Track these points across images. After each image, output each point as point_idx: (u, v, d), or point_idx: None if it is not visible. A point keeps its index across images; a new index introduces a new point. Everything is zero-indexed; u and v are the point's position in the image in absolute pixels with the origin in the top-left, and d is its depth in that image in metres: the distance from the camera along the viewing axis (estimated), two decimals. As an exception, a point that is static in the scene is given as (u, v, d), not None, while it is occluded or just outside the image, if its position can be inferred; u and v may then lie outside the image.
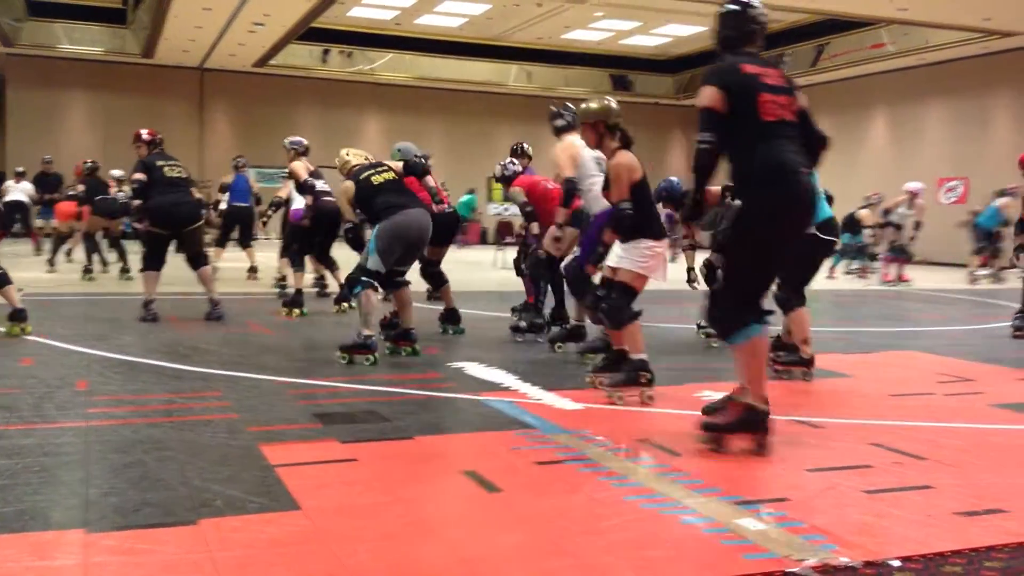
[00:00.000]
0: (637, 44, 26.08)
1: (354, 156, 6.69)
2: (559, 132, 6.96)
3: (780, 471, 3.62)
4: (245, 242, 12.33)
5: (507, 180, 7.81)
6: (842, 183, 23.91)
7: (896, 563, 2.64)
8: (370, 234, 6.06)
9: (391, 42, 25.62)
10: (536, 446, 3.90)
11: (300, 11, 18.77)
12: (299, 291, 8.68)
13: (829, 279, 15.10)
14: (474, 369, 5.76)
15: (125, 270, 11.80)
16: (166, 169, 7.89)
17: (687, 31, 24.16)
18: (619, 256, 5.13)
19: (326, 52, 25.47)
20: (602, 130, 5.28)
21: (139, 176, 7.80)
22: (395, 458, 3.73)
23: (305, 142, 9.62)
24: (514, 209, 20.47)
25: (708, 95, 3.87)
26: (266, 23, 19.76)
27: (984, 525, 3.00)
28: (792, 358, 5.71)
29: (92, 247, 12.23)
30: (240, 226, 12.34)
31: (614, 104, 5.38)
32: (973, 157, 20.31)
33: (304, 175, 9.05)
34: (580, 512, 3.08)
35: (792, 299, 5.66)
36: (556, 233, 6.59)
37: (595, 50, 26.66)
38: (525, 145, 8.67)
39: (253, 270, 12.16)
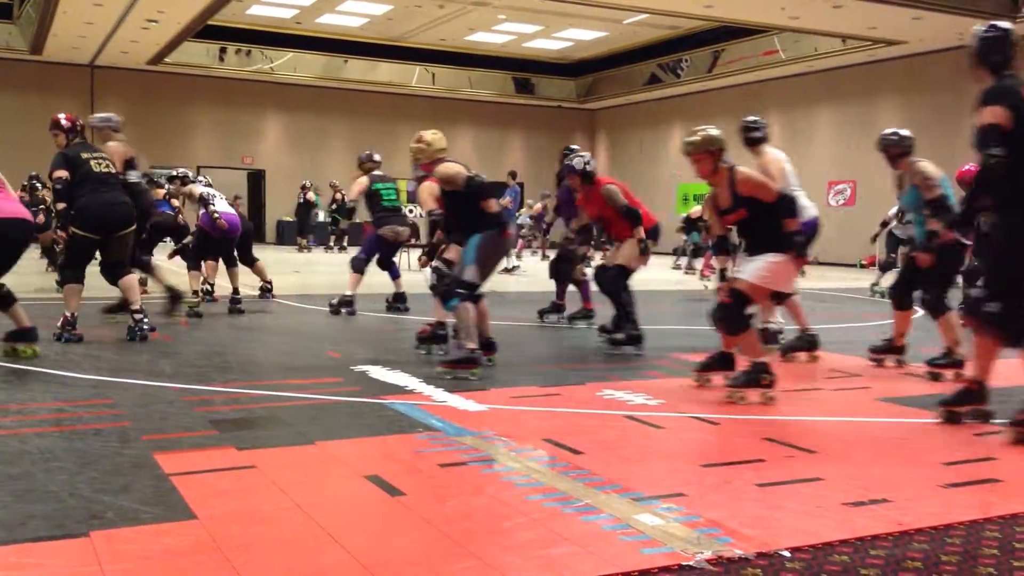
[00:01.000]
0: (539, 47, 26.32)
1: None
2: (755, 144, 6.97)
3: (677, 467, 3.71)
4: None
5: (588, 176, 7.30)
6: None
7: (787, 554, 2.74)
8: (471, 242, 5.70)
9: (291, 41, 25.22)
10: (440, 448, 3.90)
11: (196, 8, 18.30)
12: (194, 292, 8.83)
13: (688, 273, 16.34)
14: (378, 372, 5.72)
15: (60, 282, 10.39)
16: (93, 163, 6.86)
17: (588, 35, 24.50)
18: (746, 267, 5.30)
19: (224, 50, 24.91)
20: (718, 156, 5.48)
21: (61, 173, 6.74)
22: (295, 464, 3.68)
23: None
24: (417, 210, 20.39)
25: (997, 113, 4.21)
26: (160, 20, 19.20)
27: (870, 515, 3.13)
28: (948, 360, 5.92)
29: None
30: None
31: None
32: (860, 161, 21.15)
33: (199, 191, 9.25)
34: (483, 513, 3.09)
35: (943, 303, 5.97)
36: (638, 248, 6.97)
37: (498, 53, 26.79)
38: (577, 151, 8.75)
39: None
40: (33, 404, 4.64)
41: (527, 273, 16.39)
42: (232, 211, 9.16)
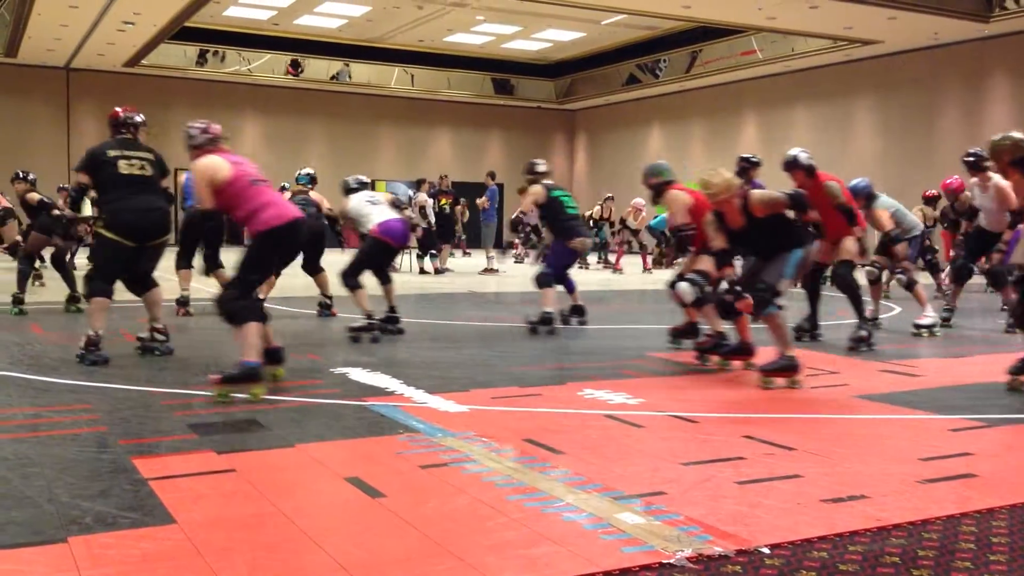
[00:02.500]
0: (518, 48, 26.33)
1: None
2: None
3: (657, 465, 3.72)
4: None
5: (811, 170, 7.17)
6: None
7: (766, 551, 2.75)
8: (791, 256, 5.59)
9: (269, 43, 25.11)
10: (421, 450, 3.90)
11: (173, 10, 18.19)
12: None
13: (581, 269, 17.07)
14: (358, 374, 5.71)
15: (74, 298, 9.19)
16: (123, 163, 6.16)
17: (567, 36, 24.53)
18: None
19: (201, 52, 24.77)
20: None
21: (79, 178, 6.26)
22: (275, 468, 3.67)
23: None
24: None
25: None
26: (137, 22, 19.06)
27: (848, 511, 3.16)
28: None
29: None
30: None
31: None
32: (837, 160, 21.26)
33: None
34: (464, 514, 3.09)
35: None
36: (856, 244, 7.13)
37: (477, 54, 26.79)
38: (753, 158, 8.88)
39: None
40: (9, 409, 4.60)
41: (508, 274, 16.40)
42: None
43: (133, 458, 3.66)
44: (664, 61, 24.96)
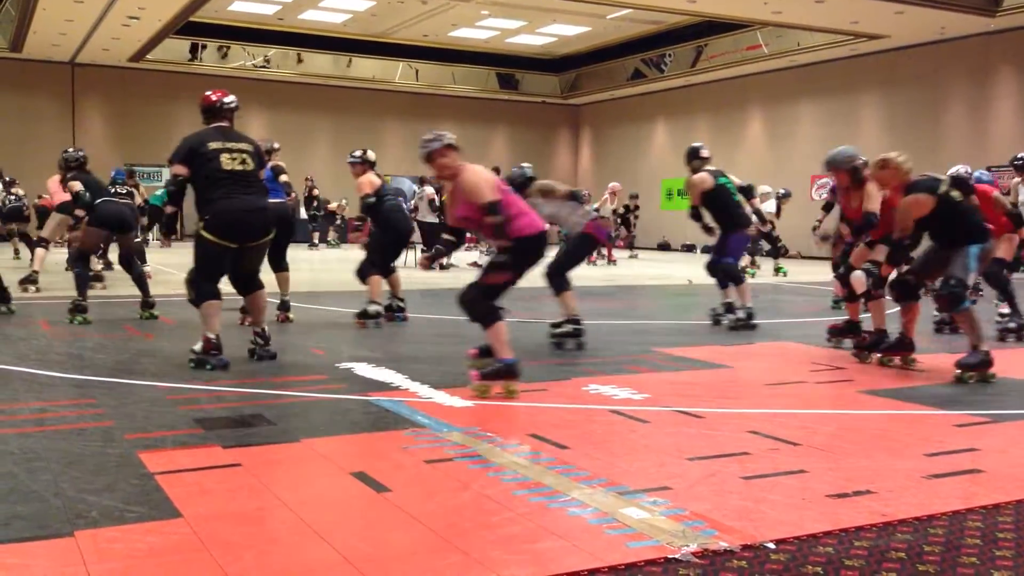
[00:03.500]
0: (523, 43, 26.30)
1: None
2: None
3: (663, 460, 3.72)
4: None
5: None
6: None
7: (772, 545, 2.75)
8: (969, 252, 5.66)
9: (273, 37, 25.12)
10: (426, 445, 3.90)
11: (177, 5, 18.20)
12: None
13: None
14: (363, 369, 5.71)
15: (148, 304, 8.21)
16: (225, 157, 5.73)
17: (572, 31, 24.50)
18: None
19: (205, 47, 24.78)
20: None
21: (177, 170, 5.72)
22: (280, 462, 3.67)
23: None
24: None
25: None
26: (141, 17, 19.08)
27: (853, 506, 3.15)
28: None
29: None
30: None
31: None
32: (843, 155, 21.29)
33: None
34: (470, 509, 3.10)
35: None
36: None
37: (482, 48, 26.76)
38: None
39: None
40: (16, 404, 4.61)
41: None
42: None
43: (139, 452, 3.67)
44: (669, 56, 24.91)
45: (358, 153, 8.30)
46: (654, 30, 24.12)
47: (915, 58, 19.92)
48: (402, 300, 8.44)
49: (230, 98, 6.11)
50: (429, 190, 16.28)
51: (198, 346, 5.73)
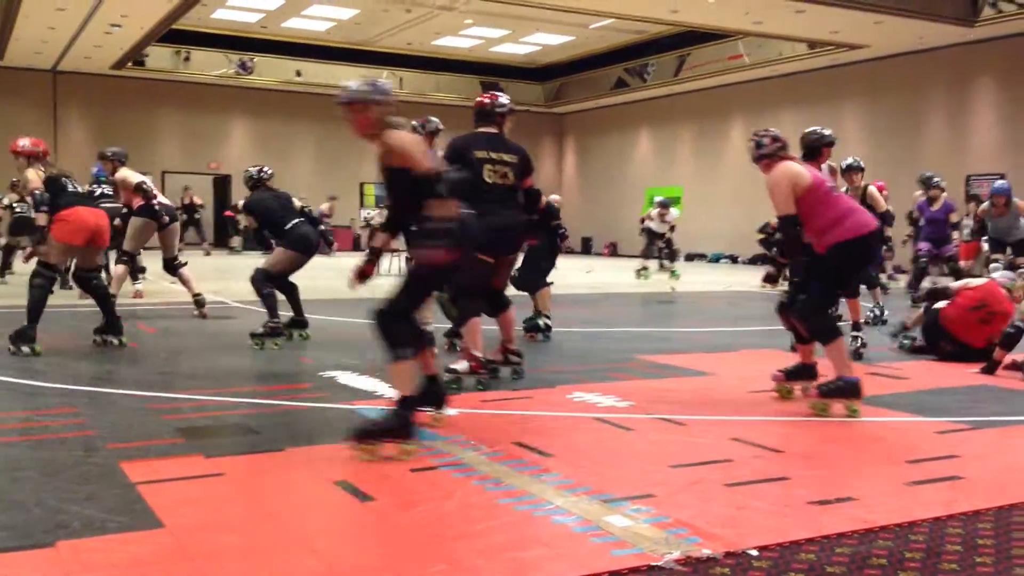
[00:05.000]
0: (507, 52, 26.37)
1: None
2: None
3: (646, 468, 3.74)
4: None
5: None
6: (705, 188, 24.86)
7: (754, 552, 2.77)
8: None
9: (257, 45, 25.07)
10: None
11: (160, 12, 18.14)
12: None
13: None
14: (347, 378, 5.70)
15: (299, 323, 7.60)
16: (488, 169, 5.48)
17: (555, 40, 24.59)
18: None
19: (189, 54, 24.70)
20: None
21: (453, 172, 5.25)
22: (263, 471, 3.66)
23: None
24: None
25: None
26: (124, 24, 18.99)
27: (835, 513, 3.17)
28: None
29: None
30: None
31: None
32: (825, 164, 21.44)
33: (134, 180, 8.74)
34: (454, 517, 3.10)
35: None
36: None
37: (466, 57, 26.81)
38: None
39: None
40: (-4, 414, 4.57)
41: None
42: None
43: (121, 462, 3.65)
44: (652, 65, 25.03)
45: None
46: (637, 40, 24.23)
47: (895, 68, 20.09)
48: (548, 316, 7.97)
49: (503, 100, 5.80)
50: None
51: (461, 365, 5.38)
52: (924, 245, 11.00)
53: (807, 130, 6.59)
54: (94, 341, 6.87)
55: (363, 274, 4.42)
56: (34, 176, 6.63)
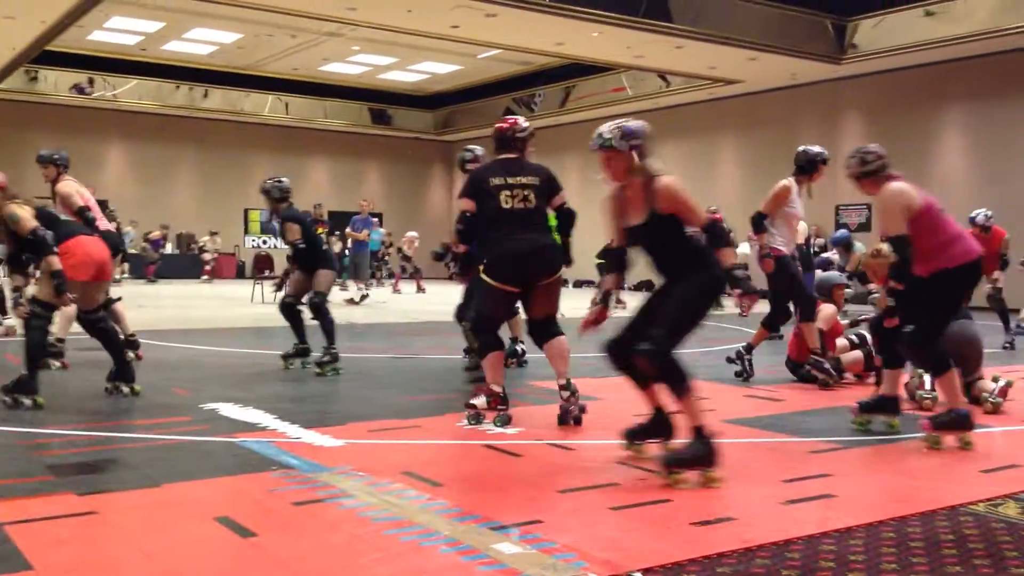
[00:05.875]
0: (395, 79, 26.35)
1: None
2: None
3: (534, 494, 3.76)
4: None
5: None
6: (593, 216, 25.33)
7: (639, 575, 2.82)
8: None
9: (136, 68, 24.33)
10: (295, 486, 3.82)
11: (33, 33, 17.43)
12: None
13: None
14: (229, 410, 5.55)
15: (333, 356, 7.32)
16: (504, 195, 5.31)
17: (443, 69, 24.72)
18: None
19: (63, 77, 23.77)
20: None
21: (464, 204, 5.36)
22: (140, 508, 3.52)
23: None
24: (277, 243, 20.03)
25: None
26: (-8, 42, 18.18)
27: (717, 533, 3.26)
28: None
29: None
30: None
31: None
32: (704, 194, 22.08)
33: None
34: (339, 551, 3.04)
35: None
36: None
37: (354, 83, 26.66)
38: None
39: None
40: None
41: (373, 304, 16.28)
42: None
43: (-16, 503, 3.45)
44: (539, 95, 25.43)
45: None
46: (524, 70, 24.58)
47: (769, 102, 20.97)
48: (523, 342, 7.72)
49: (524, 126, 5.63)
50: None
51: (479, 400, 5.16)
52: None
53: (803, 147, 6.68)
54: (106, 389, 6.03)
55: (597, 321, 4.48)
56: (26, 214, 5.62)
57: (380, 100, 28.17)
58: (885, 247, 5.84)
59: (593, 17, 15.66)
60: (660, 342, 3.99)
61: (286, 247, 7.48)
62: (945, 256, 4.67)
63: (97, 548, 3.04)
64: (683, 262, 4.19)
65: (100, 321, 6.04)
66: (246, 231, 27.16)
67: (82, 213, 7.38)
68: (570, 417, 5.21)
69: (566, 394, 5.23)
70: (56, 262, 5.53)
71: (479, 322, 5.38)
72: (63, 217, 5.90)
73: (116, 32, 21.43)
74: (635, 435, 4.51)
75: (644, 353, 4.00)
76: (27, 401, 5.50)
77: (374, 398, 6.19)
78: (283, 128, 27.42)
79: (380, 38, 20.14)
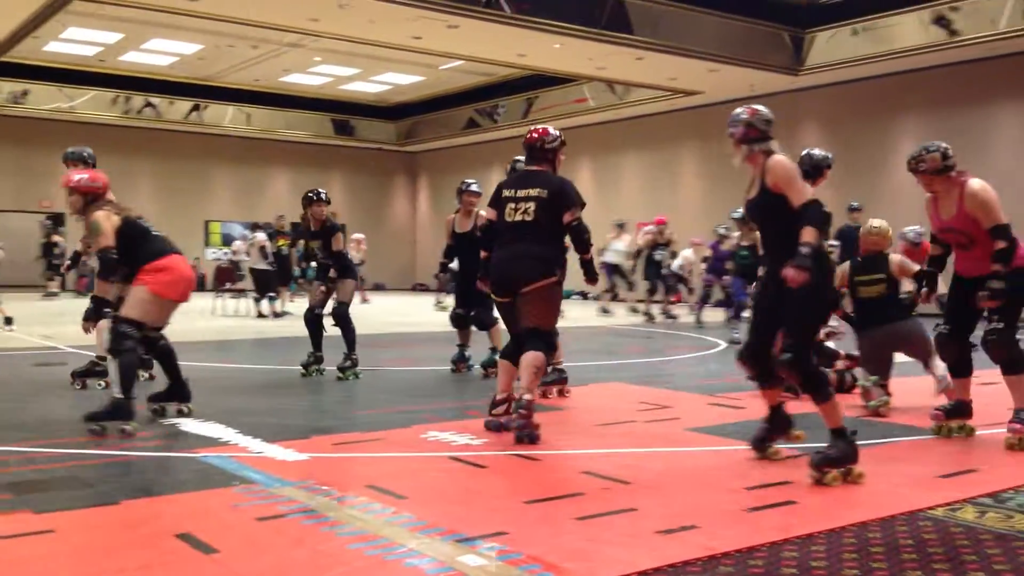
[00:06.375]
0: (357, 90, 26.26)
1: None
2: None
3: (500, 505, 3.75)
4: None
5: None
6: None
7: (604, 584, 2.82)
8: None
9: (94, 79, 24.01)
10: (257, 501, 3.78)
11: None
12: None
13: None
14: (190, 425, 5.48)
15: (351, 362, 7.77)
16: (509, 207, 5.37)
17: (406, 80, 24.69)
18: None
19: (21, 88, 23.40)
20: None
21: (483, 215, 5.47)
22: (99, 527, 3.46)
23: None
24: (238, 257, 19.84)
25: None
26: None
27: (681, 541, 3.28)
28: None
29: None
30: None
31: None
32: (666, 203, 22.28)
33: None
34: (302, 566, 3.02)
35: None
36: None
37: (316, 94, 26.53)
38: None
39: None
40: None
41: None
42: None
43: (-63, 524, 3.38)
44: (502, 106, 25.50)
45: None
46: (487, 81, 24.63)
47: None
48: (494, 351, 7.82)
49: (553, 135, 5.54)
50: (260, 236, 15.91)
51: (519, 413, 5.06)
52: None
53: (807, 151, 6.73)
54: (153, 411, 5.79)
55: None
56: (108, 227, 5.42)
57: (342, 111, 28.05)
58: (879, 222, 6.02)
59: (554, 29, 15.74)
60: (798, 351, 4.24)
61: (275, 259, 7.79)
62: (1019, 255, 4.90)
63: (55, 567, 2.99)
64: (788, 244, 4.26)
65: (162, 339, 5.86)
66: (207, 243, 26.87)
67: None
68: (511, 431, 5.10)
69: (513, 408, 5.19)
70: (109, 290, 5.56)
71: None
72: (155, 232, 5.66)
73: (73, 43, 21.14)
74: (763, 440, 4.70)
75: (786, 364, 4.26)
76: (127, 428, 5.20)
77: (338, 411, 6.15)
78: (244, 139, 27.20)
79: (342, 49, 20.08)
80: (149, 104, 25.03)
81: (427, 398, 6.77)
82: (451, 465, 4.51)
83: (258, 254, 15.56)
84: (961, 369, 5.30)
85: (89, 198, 5.58)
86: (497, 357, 6.10)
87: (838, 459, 4.17)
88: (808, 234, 4.18)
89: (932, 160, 5.04)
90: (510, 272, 5.29)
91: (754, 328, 4.59)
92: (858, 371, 6.85)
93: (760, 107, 4.74)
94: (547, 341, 5.31)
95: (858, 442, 4.26)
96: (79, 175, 5.68)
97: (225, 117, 26.39)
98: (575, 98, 23.05)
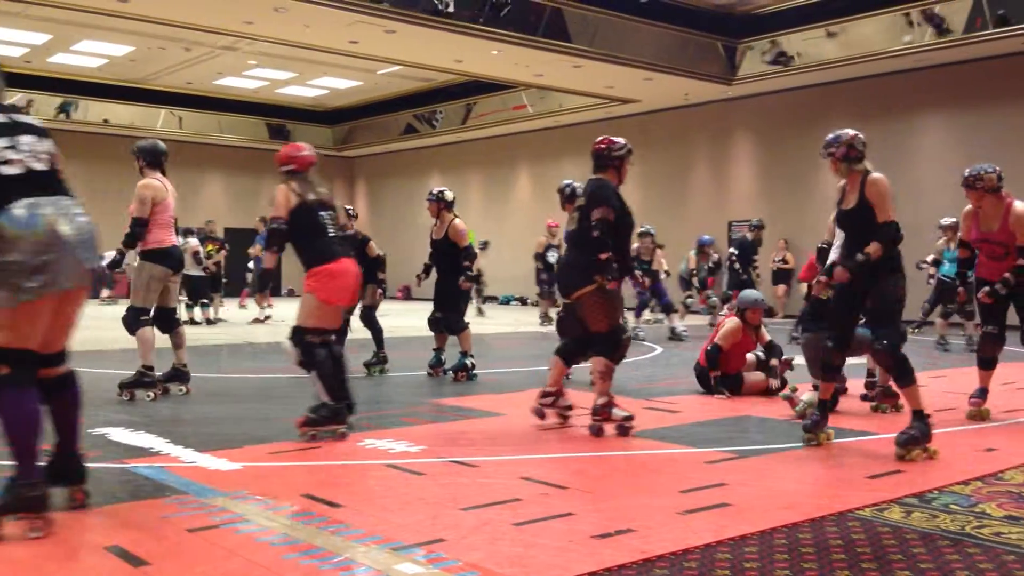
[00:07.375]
0: (294, 94, 25.98)
1: None
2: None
3: (437, 512, 3.75)
4: None
5: None
6: (495, 232, 25.45)
7: (541, 589, 2.84)
8: None
9: (20, 81, 23.35)
10: (189, 512, 3.71)
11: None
12: None
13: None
14: (120, 434, 5.36)
15: (382, 358, 8.71)
16: (571, 216, 6.03)
17: (343, 84, 24.49)
18: None
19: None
20: None
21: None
22: (26, 540, 3.36)
23: None
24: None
25: None
26: None
27: (616, 545, 3.31)
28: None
29: None
30: None
31: None
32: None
33: None
34: (236, 577, 2.97)
35: None
36: None
37: (251, 98, 26.16)
38: None
39: None
40: None
41: (276, 323, 15.95)
42: None
43: None
44: (441, 112, 25.46)
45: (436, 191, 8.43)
46: (425, 87, 24.57)
47: (664, 121, 21.49)
48: (473, 356, 8.35)
49: (619, 144, 5.80)
50: (193, 242, 15.66)
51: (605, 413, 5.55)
52: None
53: (568, 183, 7.22)
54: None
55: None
56: (284, 201, 5.42)
57: (278, 115, 27.71)
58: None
59: (492, 36, 15.78)
60: (893, 339, 4.85)
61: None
62: None
63: (-24, 584, 2.90)
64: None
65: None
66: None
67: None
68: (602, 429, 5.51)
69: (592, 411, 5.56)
70: (269, 259, 5.74)
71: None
72: (331, 232, 5.49)
73: (-2, 43, 20.56)
74: (816, 426, 5.14)
75: (884, 348, 4.84)
76: (342, 429, 5.28)
77: (274, 419, 6.07)
78: (176, 143, 26.63)
79: (278, 52, 19.85)
80: (64, 108, 24.44)
81: (364, 405, 6.70)
82: (388, 473, 4.49)
83: (191, 259, 15.28)
84: (988, 365, 6.09)
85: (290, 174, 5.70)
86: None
87: (919, 438, 4.72)
88: (874, 247, 4.82)
89: (989, 179, 5.80)
90: (560, 280, 5.99)
91: (839, 324, 5.09)
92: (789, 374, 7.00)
93: (858, 132, 5.16)
94: (607, 344, 5.51)
95: (796, 444, 4.38)
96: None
97: (157, 120, 25.88)
98: (514, 105, 23.14)
